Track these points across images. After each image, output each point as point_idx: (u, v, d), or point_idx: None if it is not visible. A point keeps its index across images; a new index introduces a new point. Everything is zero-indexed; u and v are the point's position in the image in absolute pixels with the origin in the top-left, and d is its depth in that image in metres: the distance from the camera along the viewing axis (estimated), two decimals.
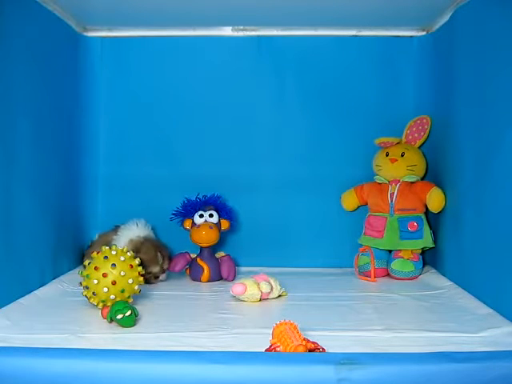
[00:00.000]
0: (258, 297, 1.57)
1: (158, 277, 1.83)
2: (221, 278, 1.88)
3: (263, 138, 2.09)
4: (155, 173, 2.08)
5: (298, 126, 2.08)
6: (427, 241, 1.88)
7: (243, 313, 1.48)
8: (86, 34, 2.04)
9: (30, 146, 1.59)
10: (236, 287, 1.57)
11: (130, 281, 1.43)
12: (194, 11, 1.84)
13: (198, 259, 1.88)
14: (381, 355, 1.03)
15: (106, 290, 1.40)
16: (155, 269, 1.81)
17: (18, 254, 1.50)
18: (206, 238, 1.88)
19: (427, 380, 0.95)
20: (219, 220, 1.93)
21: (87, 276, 1.44)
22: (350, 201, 2.04)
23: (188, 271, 1.92)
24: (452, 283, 1.69)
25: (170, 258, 1.89)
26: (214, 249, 1.92)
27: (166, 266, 1.85)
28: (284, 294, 1.65)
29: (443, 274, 1.81)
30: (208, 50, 2.07)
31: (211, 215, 1.91)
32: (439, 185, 1.86)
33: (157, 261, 1.81)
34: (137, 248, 1.78)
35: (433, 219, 1.92)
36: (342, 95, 2.07)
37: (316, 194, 2.07)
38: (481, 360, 0.98)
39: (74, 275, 1.77)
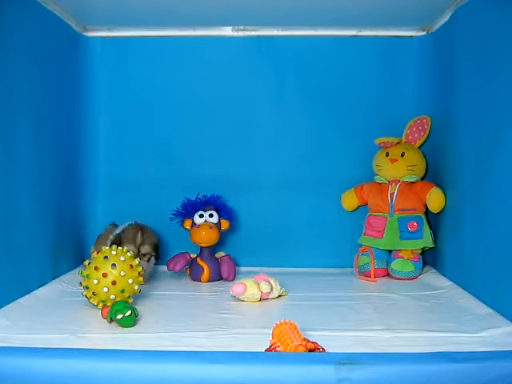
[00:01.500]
0: (258, 297, 1.57)
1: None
2: (221, 278, 1.88)
3: (263, 138, 2.09)
4: (155, 173, 2.09)
5: (298, 126, 2.08)
6: (427, 241, 1.88)
7: (243, 313, 1.48)
8: (86, 33, 2.04)
9: (29, 146, 1.59)
10: (236, 287, 1.57)
11: (130, 281, 1.43)
12: (194, 11, 1.84)
13: (198, 259, 1.88)
14: (381, 355, 1.02)
15: (106, 289, 1.40)
16: (130, 247, 1.75)
17: (18, 254, 1.50)
18: (206, 237, 1.88)
19: (427, 380, 0.95)
20: (219, 220, 1.93)
21: (87, 276, 1.44)
22: (350, 201, 2.04)
23: (188, 271, 1.92)
24: (452, 283, 1.69)
25: (156, 249, 1.83)
26: (214, 249, 1.92)
27: (144, 251, 1.79)
28: (284, 294, 1.65)
29: (443, 274, 1.81)
30: (208, 50, 2.07)
31: (211, 215, 1.91)
32: (439, 185, 1.86)
33: (134, 239, 1.78)
34: (123, 229, 1.80)
35: (433, 219, 1.92)
36: (342, 95, 2.07)
37: (316, 193, 2.07)
38: (481, 360, 0.98)
39: (73, 275, 1.77)
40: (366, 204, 2.02)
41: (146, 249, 1.79)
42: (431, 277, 1.83)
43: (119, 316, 1.30)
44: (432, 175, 1.96)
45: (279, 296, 1.63)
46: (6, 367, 0.97)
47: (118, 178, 2.10)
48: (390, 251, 1.92)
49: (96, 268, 1.42)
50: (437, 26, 1.93)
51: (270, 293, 1.60)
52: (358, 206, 2.05)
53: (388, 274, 1.90)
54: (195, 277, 1.87)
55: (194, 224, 1.91)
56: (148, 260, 1.79)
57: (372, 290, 1.72)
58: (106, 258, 1.44)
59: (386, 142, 1.95)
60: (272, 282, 1.62)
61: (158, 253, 1.85)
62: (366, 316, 1.43)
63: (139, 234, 1.79)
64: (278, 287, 1.62)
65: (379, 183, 1.97)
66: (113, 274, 1.41)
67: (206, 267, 1.86)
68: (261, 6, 1.79)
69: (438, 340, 1.21)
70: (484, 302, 1.45)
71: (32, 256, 1.60)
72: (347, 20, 1.95)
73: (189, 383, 0.96)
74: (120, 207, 2.06)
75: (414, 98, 2.06)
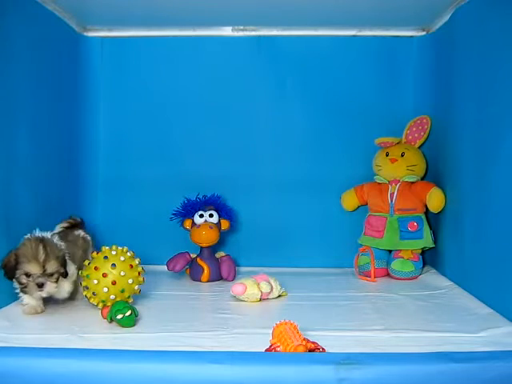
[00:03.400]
0: (258, 297, 1.57)
1: (41, 284, 1.37)
2: (221, 278, 1.87)
3: (263, 138, 2.09)
4: (155, 173, 2.08)
5: (298, 126, 2.08)
6: (427, 241, 1.88)
7: (243, 313, 1.48)
8: (86, 33, 2.04)
9: (29, 146, 1.59)
10: (236, 287, 1.57)
11: (130, 281, 1.43)
12: (193, 11, 1.84)
13: (198, 259, 1.88)
14: (381, 355, 1.03)
15: (106, 289, 1.40)
16: (32, 268, 1.36)
17: None
18: (206, 238, 1.88)
19: (427, 380, 0.95)
20: (219, 220, 1.93)
21: (87, 276, 1.44)
22: (350, 201, 2.04)
23: (188, 271, 1.92)
24: (452, 283, 1.70)
25: (64, 263, 1.42)
26: (214, 249, 1.92)
27: (50, 269, 1.38)
28: (284, 294, 1.65)
29: (443, 274, 1.81)
30: (208, 50, 2.07)
31: (211, 215, 1.91)
32: (439, 185, 1.86)
33: (36, 256, 1.36)
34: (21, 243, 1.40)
35: (433, 219, 1.92)
36: (341, 95, 2.07)
37: (316, 194, 2.07)
38: (481, 360, 0.98)
39: None
40: (366, 204, 2.02)
41: (52, 266, 1.38)
42: (431, 277, 1.83)
43: (119, 316, 1.30)
44: (432, 175, 1.96)
45: (279, 296, 1.63)
46: (6, 367, 0.97)
47: (117, 178, 2.10)
48: (390, 251, 1.92)
49: (96, 268, 1.42)
50: (437, 26, 1.93)
51: (269, 293, 1.60)
52: (358, 206, 2.05)
53: (388, 274, 1.90)
54: (195, 277, 1.87)
55: (194, 224, 1.92)
56: (56, 280, 1.40)
57: (372, 290, 1.72)
58: (105, 258, 1.43)
59: (386, 142, 1.95)
60: (272, 282, 1.62)
61: (66, 268, 1.43)
62: (365, 316, 1.43)
63: (40, 248, 1.37)
64: (278, 287, 1.62)
65: (379, 183, 1.97)
66: (113, 273, 1.41)
67: (206, 267, 1.86)
68: (261, 6, 1.79)
69: (438, 340, 1.21)
70: (484, 302, 1.45)
71: None
72: (347, 20, 1.95)
73: (189, 383, 0.96)
74: (120, 207, 2.07)
75: (414, 98, 2.06)
